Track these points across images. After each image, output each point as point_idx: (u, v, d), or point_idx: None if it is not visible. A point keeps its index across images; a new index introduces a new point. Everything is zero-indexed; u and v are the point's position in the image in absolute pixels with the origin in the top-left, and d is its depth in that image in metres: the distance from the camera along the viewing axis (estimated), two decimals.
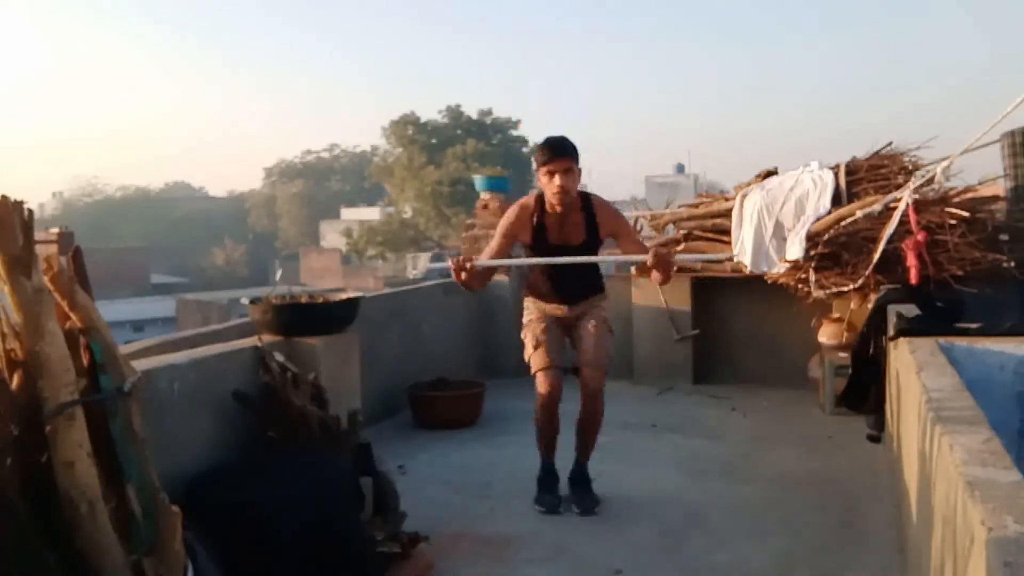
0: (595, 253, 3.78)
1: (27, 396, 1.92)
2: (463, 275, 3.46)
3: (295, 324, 3.57)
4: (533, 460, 3.93)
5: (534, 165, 3.73)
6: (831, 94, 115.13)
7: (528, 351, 3.75)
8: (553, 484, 3.83)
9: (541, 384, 3.67)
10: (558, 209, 3.66)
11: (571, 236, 3.70)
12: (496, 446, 4.78)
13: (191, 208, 65.27)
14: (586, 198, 3.75)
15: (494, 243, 3.77)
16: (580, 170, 3.66)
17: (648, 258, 3.47)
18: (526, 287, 3.93)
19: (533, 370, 3.71)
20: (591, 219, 3.70)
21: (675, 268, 3.58)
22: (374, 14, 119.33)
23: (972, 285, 4.59)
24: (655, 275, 3.57)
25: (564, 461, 3.88)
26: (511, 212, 3.79)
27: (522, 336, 3.81)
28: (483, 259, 3.67)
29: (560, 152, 3.59)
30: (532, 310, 3.85)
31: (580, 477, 3.83)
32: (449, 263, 3.50)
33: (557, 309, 3.80)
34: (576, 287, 3.80)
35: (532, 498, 3.81)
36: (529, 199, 3.78)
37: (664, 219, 6.43)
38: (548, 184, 3.60)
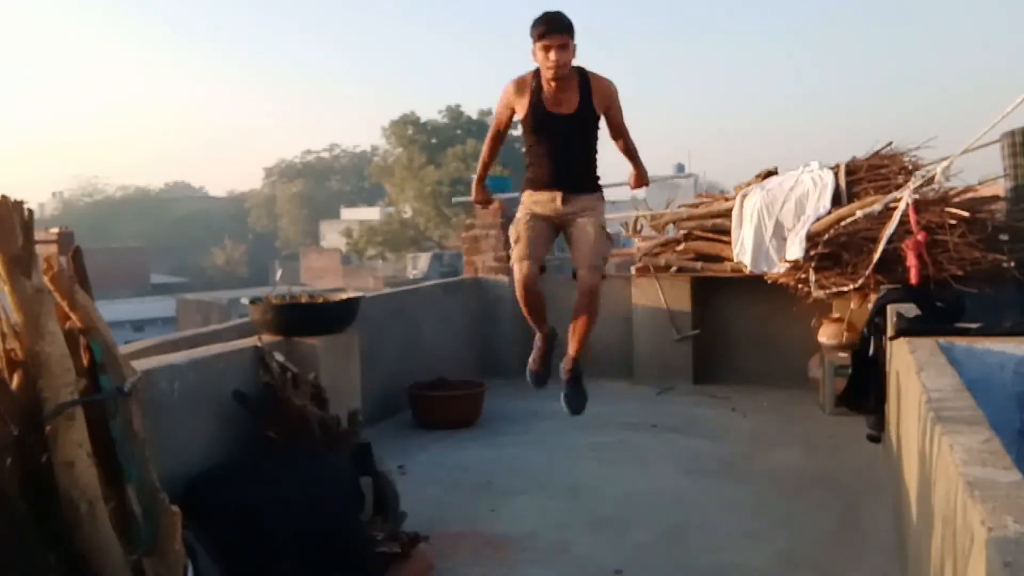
0: (589, 123, 3.78)
1: (27, 396, 1.92)
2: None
3: (295, 324, 3.57)
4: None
5: (531, 41, 3.69)
6: (831, 94, 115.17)
7: (512, 245, 3.79)
8: (548, 352, 3.85)
9: (516, 273, 3.71)
10: (553, 85, 3.67)
11: (566, 105, 3.70)
12: (496, 446, 4.79)
13: (191, 208, 65.30)
14: (582, 72, 3.75)
15: (497, 110, 3.88)
16: (576, 45, 3.66)
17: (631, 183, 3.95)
18: (524, 179, 3.92)
19: (511, 262, 3.77)
20: (586, 90, 3.71)
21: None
22: (374, 14, 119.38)
23: (972, 285, 4.59)
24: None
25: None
26: (508, 86, 3.81)
27: (508, 231, 3.86)
28: (491, 127, 4.00)
29: (556, 27, 3.58)
30: (526, 205, 3.85)
31: (571, 373, 3.78)
32: (472, 196, 4.05)
33: (551, 201, 3.77)
34: (572, 171, 3.79)
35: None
36: (526, 74, 3.78)
37: (664, 219, 6.44)
38: (544, 59, 3.60)
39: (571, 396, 3.74)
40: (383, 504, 3.19)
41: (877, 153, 5.34)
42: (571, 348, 3.80)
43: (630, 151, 3.95)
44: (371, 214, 46.77)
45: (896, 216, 4.74)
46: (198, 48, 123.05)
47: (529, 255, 3.68)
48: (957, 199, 4.84)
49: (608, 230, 3.81)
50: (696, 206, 6.28)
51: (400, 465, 4.33)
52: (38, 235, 2.07)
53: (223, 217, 61.25)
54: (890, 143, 5.33)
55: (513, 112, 3.80)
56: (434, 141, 39.15)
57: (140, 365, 2.56)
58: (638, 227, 6.68)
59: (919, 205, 4.73)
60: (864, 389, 4.37)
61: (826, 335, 5.45)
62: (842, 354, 5.18)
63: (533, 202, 3.81)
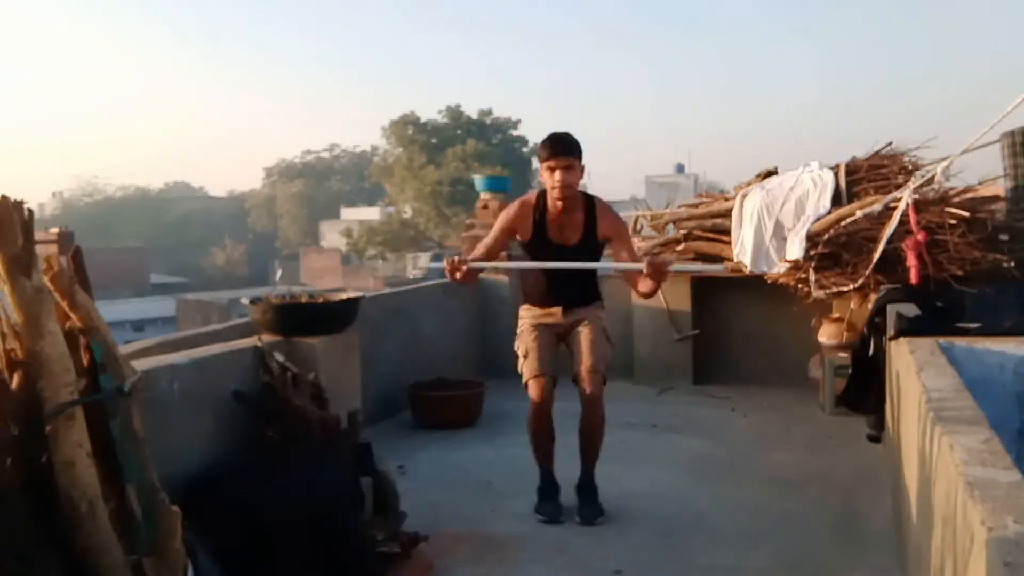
0: (592, 254, 3.75)
1: (27, 396, 1.92)
2: (457, 275, 3.47)
3: (295, 324, 3.56)
4: (533, 460, 3.93)
5: (538, 162, 3.73)
6: (831, 94, 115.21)
7: (520, 360, 3.74)
8: (553, 493, 3.77)
9: (532, 392, 3.65)
10: (559, 205, 3.64)
11: (569, 235, 3.69)
12: (496, 446, 4.78)
13: (191, 208, 65.26)
14: (589, 199, 3.74)
15: (490, 237, 3.77)
16: (583, 167, 3.65)
17: (643, 267, 3.46)
18: (522, 293, 3.89)
19: (524, 379, 3.69)
20: (591, 219, 3.69)
21: (668, 275, 3.57)
22: (374, 14, 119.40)
23: (972, 285, 4.59)
24: (644, 285, 3.55)
25: (569, 470, 3.84)
26: (512, 207, 3.79)
27: (515, 347, 3.79)
28: (478, 252, 3.70)
29: (561, 149, 3.59)
30: (526, 319, 3.81)
31: (586, 487, 3.75)
32: (444, 263, 3.53)
33: (551, 315, 3.75)
34: (572, 291, 3.76)
35: (533, 503, 3.77)
36: (531, 196, 3.78)
37: (664, 219, 6.43)
38: (549, 179, 3.60)
39: (585, 511, 3.66)
40: (383, 504, 3.18)
41: (877, 153, 5.34)
42: (586, 463, 3.76)
43: (637, 260, 3.76)
44: (371, 214, 46.76)
45: (896, 216, 4.74)
46: (198, 48, 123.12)
47: (542, 371, 3.63)
48: (957, 199, 4.84)
49: (608, 333, 3.75)
50: (696, 206, 6.28)
51: (400, 465, 4.32)
52: (38, 235, 2.07)
53: (223, 217, 61.24)
54: (890, 143, 5.33)
55: (511, 236, 3.76)
56: (434, 141, 39.15)
57: (140, 365, 2.56)
58: (638, 227, 6.68)
59: (919, 205, 4.73)
60: (864, 389, 4.37)
61: (826, 335, 5.45)
62: (842, 354, 5.18)
63: (532, 316, 3.79)
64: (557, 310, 3.76)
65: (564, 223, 3.69)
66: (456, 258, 3.51)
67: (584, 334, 3.69)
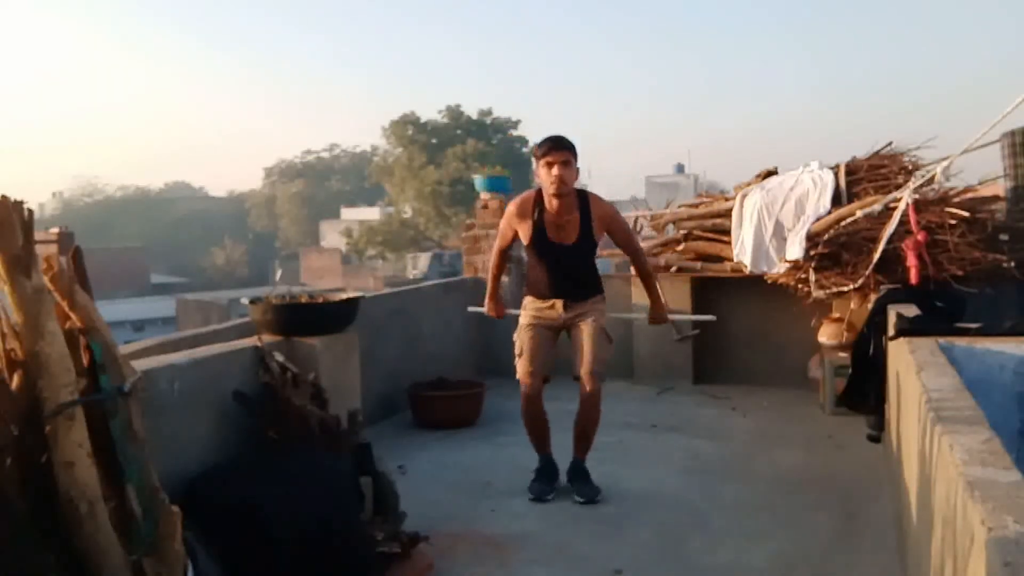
0: (590, 252, 3.90)
1: (27, 396, 1.91)
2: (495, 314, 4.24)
3: (295, 324, 3.56)
4: (533, 460, 3.95)
5: (533, 163, 3.84)
6: (831, 94, 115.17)
7: (516, 355, 3.93)
8: (549, 474, 3.92)
9: (523, 388, 3.87)
10: (555, 203, 3.75)
11: (568, 235, 3.80)
12: (496, 446, 4.78)
13: (191, 208, 65.28)
14: (583, 197, 3.83)
15: (501, 228, 4.00)
16: (578, 168, 3.79)
17: (645, 319, 4.16)
18: (526, 284, 4.03)
19: (517, 375, 3.89)
20: (586, 217, 3.80)
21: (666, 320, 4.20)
22: (374, 14, 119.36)
23: (972, 285, 4.59)
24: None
25: (564, 466, 3.88)
26: (510, 209, 3.92)
27: (513, 338, 3.97)
28: (494, 255, 4.13)
29: (558, 145, 3.72)
30: (527, 313, 3.94)
31: (577, 471, 3.92)
32: (487, 310, 4.29)
33: (552, 310, 3.87)
34: (575, 286, 3.88)
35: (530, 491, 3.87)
36: (528, 194, 3.87)
37: (664, 219, 6.44)
38: (546, 175, 3.72)
39: (583, 490, 3.84)
40: (383, 504, 3.18)
41: (877, 153, 5.34)
42: (578, 452, 3.95)
43: (644, 273, 4.06)
44: (371, 214, 46.78)
45: (896, 216, 4.74)
46: (198, 48, 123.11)
47: (534, 370, 3.85)
48: (957, 199, 4.84)
49: (607, 331, 3.91)
50: (696, 206, 6.28)
51: (400, 465, 4.32)
52: (38, 235, 2.07)
53: (223, 217, 61.25)
54: (890, 143, 5.33)
55: (515, 236, 3.95)
56: (434, 141, 39.13)
57: (140, 365, 2.56)
58: (638, 227, 6.68)
59: (919, 205, 4.73)
60: (864, 389, 4.36)
61: (826, 335, 5.45)
62: (842, 354, 5.18)
63: (535, 308, 3.92)
64: (558, 303, 3.86)
65: (562, 223, 3.80)
66: (494, 313, 4.25)
67: (585, 334, 3.82)
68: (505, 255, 4.13)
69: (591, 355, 3.77)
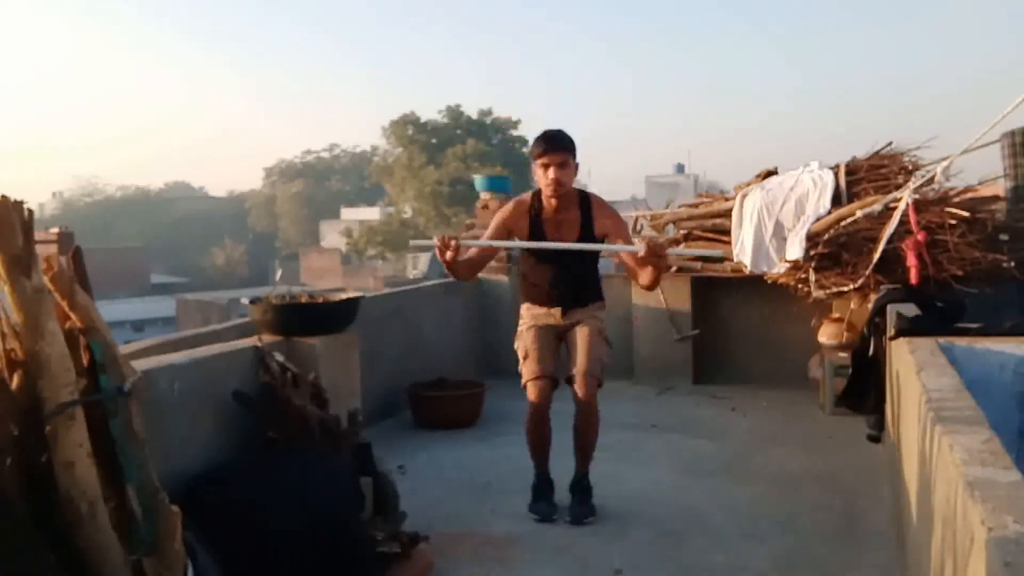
0: (591, 251, 3.73)
1: (27, 396, 1.91)
2: (448, 254, 3.35)
3: (295, 324, 3.56)
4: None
5: (532, 160, 3.69)
6: (832, 94, 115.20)
7: (520, 361, 3.73)
8: (547, 492, 3.77)
9: (531, 394, 3.65)
10: (553, 203, 3.61)
11: (566, 233, 3.64)
12: (496, 446, 4.78)
13: (191, 208, 65.30)
14: (584, 197, 3.71)
15: (486, 235, 3.75)
16: (577, 164, 3.61)
17: (641, 248, 3.37)
18: (522, 293, 3.86)
19: (524, 380, 3.68)
20: (587, 217, 3.65)
21: (669, 265, 3.53)
22: (374, 14, 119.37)
23: (972, 285, 4.59)
24: (645, 275, 3.49)
25: (565, 469, 3.85)
26: (507, 207, 3.75)
27: (515, 347, 3.79)
28: (472, 251, 3.65)
29: (555, 145, 3.55)
30: (526, 319, 3.80)
31: (579, 487, 3.75)
32: (435, 240, 3.40)
33: (550, 316, 3.73)
34: (572, 290, 3.74)
35: (531, 486, 3.79)
36: (526, 196, 3.75)
37: (664, 219, 6.43)
38: (542, 177, 3.56)
39: (576, 510, 3.66)
40: (383, 504, 3.18)
41: (877, 153, 5.34)
42: (580, 463, 3.77)
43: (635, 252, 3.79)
44: (371, 214, 46.78)
45: (896, 216, 4.74)
46: (199, 48, 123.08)
47: (542, 373, 3.63)
48: (957, 199, 4.84)
49: (605, 335, 3.75)
50: (696, 206, 6.28)
51: (400, 465, 4.33)
52: (38, 235, 2.07)
53: (223, 217, 61.28)
54: (890, 143, 5.33)
55: (510, 235, 3.72)
56: (434, 141, 39.15)
57: (140, 365, 2.56)
58: (638, 227, 6.68)
59: (919, 205, 4.73)
60: (864, 389, 4.37)
61: (826, 335, 5.45)
62: (842, 354, 5.18)
63: (532, 315, 3.77)
64: (557, 311, 3.73)
65: (560, 221, 3.65)
66: (447, 236, 3.41)
67: (581, 336, 3.67)
68: (479, 266, 3.74)
69: (586, 356, 3.60)
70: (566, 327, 3.75)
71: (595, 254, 3.79)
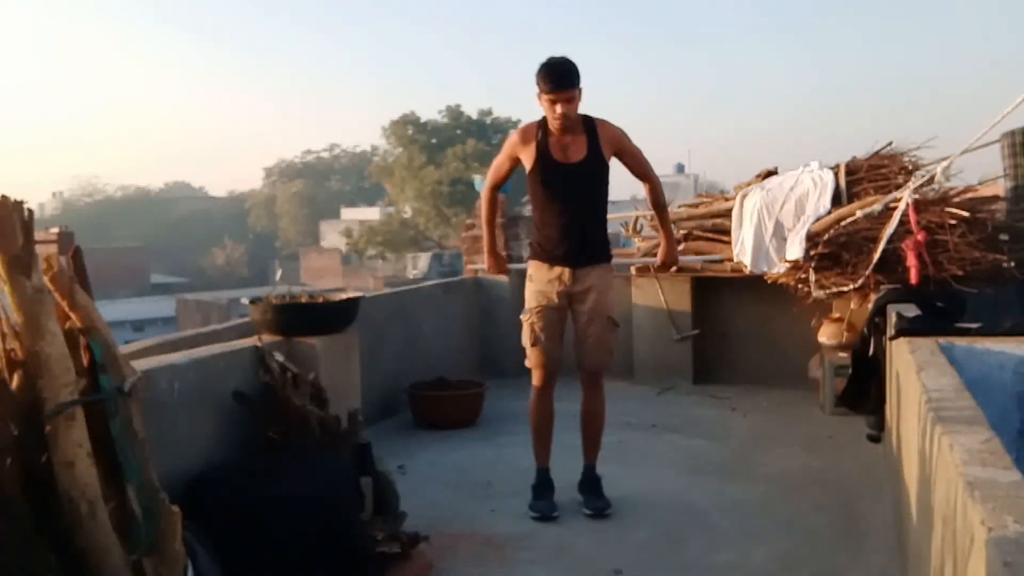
0: (598, 171, 3.70)
1: (27, 396, 1.91)
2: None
3: (295, 324, 3.56)
4: (532, 460, 3.93)
5: (536, 90, 3.63)
6: (832, 94, 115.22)
7: (526, 343, 3.75)
8: (548, 491, 3.78)
9: (536, 378, 3.76)
10: (560, 129, 3.63)
11: (573, 154, 3.64)
12: (496, 446, 4.78)
13: (191, 208, 65.36)
14: (588, 120, 3.69)
15: (497, 161, 3.84)
16: (581, 90, 3.60)
17: (657, 260, 4.01)
18: (532, 244, 3.85)
19: (528, 364, 3.77)
20: (592, 136, 3.66)
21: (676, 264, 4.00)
22: (374, 14, 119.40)
23: (972, 285, 4.59)
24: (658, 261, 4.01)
25: (568, 469, 3.85)
26: (513, 136, 3.78)
27: (521, 317, 3.77)
28: (488, 179, 3.90)
29: (561, 83, 3.53)
30: (533, 284, 3.74)
31: (589, 481, 3.79)
32: (486, 267, 4.08)
33: (558, 278, 3.68)
34: (582, 243, 3.69)
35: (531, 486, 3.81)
36: (532, 123, 3.72)
37: None
38: (549, 110, 3.58)
39: (592, 502, 3.72)
40: (383, 504, 3.18)
41: (877, 153, 5.34)
42: (587, 455, 3.82)
43: (658, 204, 3.90)
44: (371, 214, 46.76)
45: (896, 216, 4.74)
46: (199, 48, 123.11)
47: (547, 362, 3.71)
48: (957, 199, 4.83)
49: (612, 314, 3.76)
50: (696, 206, 6.28)
51: (400, 465, 4.32)
52: (38, 235, 2.07)
53: (223, 217, 61.31)
54: (890, 143, 5.33)
55: (515, 163, 3.76)
56: (434, 141, 39.12)
57: (140, 365, 2.56)
58: (638, 227, 6.68)
59: (919, 205, 4.73)
60: (864, 389, 4.36)
61: (826, 335, 5.45)
62: (842, 354, 5.17)
63: (540, 283, 3.73)
64: (565, 272, 3.68)
65: (567, 143, 3.64)
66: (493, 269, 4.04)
67: (590, 317, 3.68)
68: (496, 196, 3.93)
69: (596, 342, 3.69)
70: (574, 293, 3.70)
71: (602, 188, 3.75)
